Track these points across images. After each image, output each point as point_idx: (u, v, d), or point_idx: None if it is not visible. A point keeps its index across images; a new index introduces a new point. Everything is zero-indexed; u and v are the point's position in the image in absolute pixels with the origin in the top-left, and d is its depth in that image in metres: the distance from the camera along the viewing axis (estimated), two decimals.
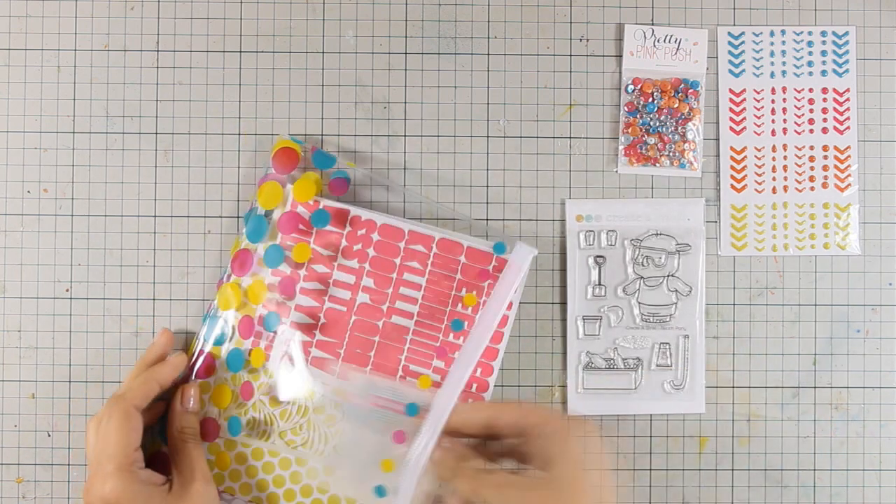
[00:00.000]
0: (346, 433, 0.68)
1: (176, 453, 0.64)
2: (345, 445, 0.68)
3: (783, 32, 0.71)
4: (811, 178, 0.71)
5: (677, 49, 0.70)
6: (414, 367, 0.68)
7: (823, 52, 0.71)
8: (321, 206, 0.69)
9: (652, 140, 0.70)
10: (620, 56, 0.71)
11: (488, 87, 0.71)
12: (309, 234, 0.69)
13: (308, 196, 0.68)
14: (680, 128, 0.70)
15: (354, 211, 0.69)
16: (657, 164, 0.70)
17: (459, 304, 0.68)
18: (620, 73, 0.71)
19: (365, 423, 0.68)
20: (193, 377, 0.68)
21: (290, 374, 0.68)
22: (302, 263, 0.68)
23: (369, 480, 0.67)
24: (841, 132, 0.71)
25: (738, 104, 0.71)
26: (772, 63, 0.71)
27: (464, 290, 0.68)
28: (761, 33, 0.71)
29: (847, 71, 0.71)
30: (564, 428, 0.60)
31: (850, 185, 0.70)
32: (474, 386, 0.68)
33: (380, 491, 0.67)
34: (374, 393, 0.68)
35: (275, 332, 0.68)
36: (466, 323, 0.68)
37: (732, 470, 0.70)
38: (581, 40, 0.71)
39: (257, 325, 0.68)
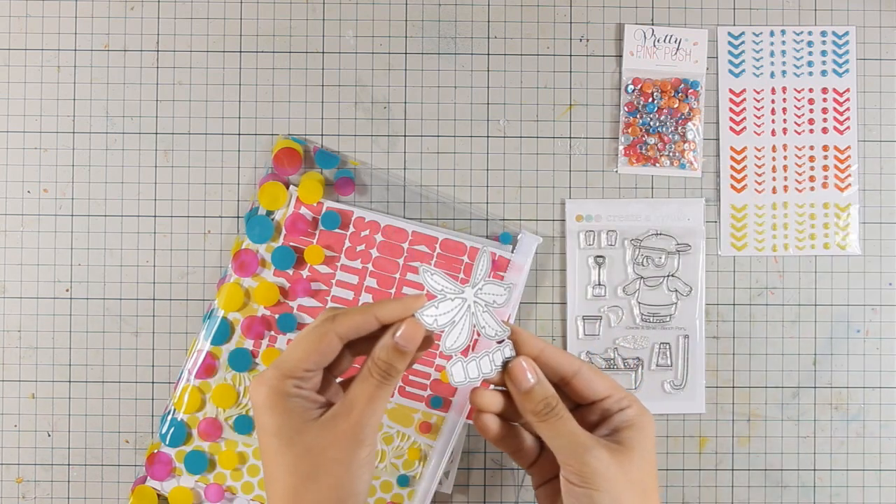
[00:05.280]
0: None
1: (354, 383, 0.53)
2: None
3: (783, 32, 0.71)
4: (811, 178, 0.71)
5: (677, 49, 0.70)
6: (417, 365, 0.69)
7: (823, 52, 0.71)
8: (326, 208, 0.69)
9: (652, 140, 0.70)
10: (620, 56, 0.71)
11: (488, 87, 0.71)
12: (313, 235, 0.69)
13: (315, 198, 0.68)
14: (680, 128, 0.70)
15: (358, 212, 0.69)
16: (657, 164, 0.70)
17: None
18: (620, 73, 0.71)
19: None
20: (194, 377, 0.68)
21: None
22: (307, 264, 0.69)
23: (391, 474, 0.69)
24: (841, 132, 0.71)
25: (738, 104, 0.71)
26: (772, 63, 0.71)
27: None
28: (761, 33, 0.71)
29: (847, 71, 0.71)
30: (649, 416, 0.55)
31: (850, 185, 0.71)
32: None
33: (402, 480, 0.68)
34: None
35: (286, 334, 0.68)
36: None
37: (732, 470, 0.70)
38: (581, 40, 0.71)
39: (264, 325, 0.68)
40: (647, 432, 0.54)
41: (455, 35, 0.71)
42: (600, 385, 0.55)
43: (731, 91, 0.71)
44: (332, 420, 0.51)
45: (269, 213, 0.69)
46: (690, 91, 0.70)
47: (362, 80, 0.71)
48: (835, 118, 0.71)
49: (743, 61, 0.71)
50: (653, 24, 0.71)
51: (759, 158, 0.71)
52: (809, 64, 0.71)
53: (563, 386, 0.55)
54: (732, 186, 0.71)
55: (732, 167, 0.71)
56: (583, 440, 0.52)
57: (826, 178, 0.71)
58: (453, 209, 0.70)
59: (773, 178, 0.71)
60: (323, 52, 0.71)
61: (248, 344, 0.69)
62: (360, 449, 0.51)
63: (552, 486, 0.56)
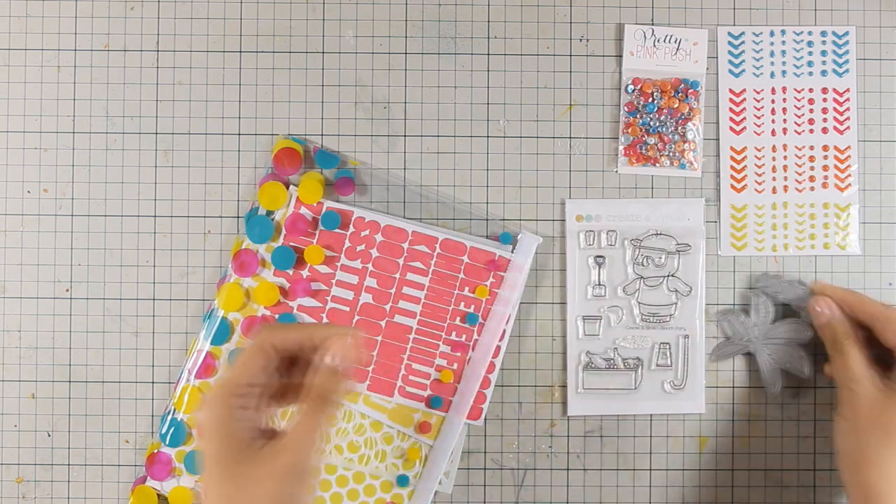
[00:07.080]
0: (350, 433, 0.69)
1: (293, 419, 0.53)
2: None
3: (783, 32, 0.71)
4: (811, 178, 0.71)
5: (677, 49, 0.70)
6: (416, 365, 0.69)
7: (823, 52, 0.71)
8: (327, 208, 0.69)
9: (652, 140, 0.70)
10: (620, 56, 0.71)
11: (488, 87, 0.71)
12: (313, 235, 0.69)
13: (315, 198, 0.68)
14: (680, 128, 0.70)
15: (358, 212, 0.69)
16: (657, 164, 0.70)
17: (472, 300, 0.69)
18: (620, 73, 0.71)
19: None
20: (194, 377, 0.68)
21: None
22: (307, 264, 0.69)
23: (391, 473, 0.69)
24: (841, 132, 0.71)
25: (738, 104, 0.71)
26: (772, 63, 0.71)
27: (466, 289, 0.69)
28: (761, 33, 0.71)
29: (847, 71, 0.71)
30: None
31: (850, 185, 0.71)
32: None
33: (402, 480, 0.68)
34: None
35: None
36: (481, 315, 0.69)
37: (732, 470, 0.70)
38: (581, 40, 0.71)
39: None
40: None
41: (455, 35, 0.71)
42: (891, 336, 0.63)
43: (731, 91, 0.71)
44: (273, 454, 0.51)
45: (269, 213, 0.69)
46: (690, 91, 0.70)
47: (362, 80, 0.71)
48: (835, 118, 0.71)
49: (743, 61, 0.71)
50: (653, 24, 0.71)
51: (759, 158, 0.71)
52: (809, 64, 0.71)
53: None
54: (732, 186, 0.71)
55: (732, 167, 0.71)
56: (855, 373, 0.63)
57: (826, 178, 0.71)
58: (453, 209, 0.70)
59: (773, 178, 0.71)
60: (323, 52, 0.71)
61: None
62: (297, 485, 0.51)
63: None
